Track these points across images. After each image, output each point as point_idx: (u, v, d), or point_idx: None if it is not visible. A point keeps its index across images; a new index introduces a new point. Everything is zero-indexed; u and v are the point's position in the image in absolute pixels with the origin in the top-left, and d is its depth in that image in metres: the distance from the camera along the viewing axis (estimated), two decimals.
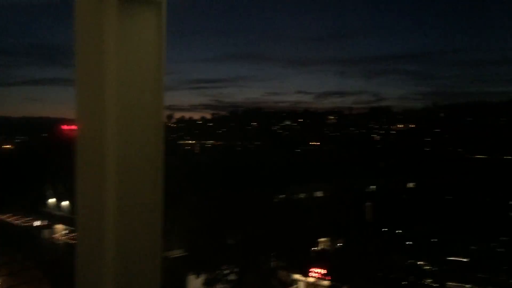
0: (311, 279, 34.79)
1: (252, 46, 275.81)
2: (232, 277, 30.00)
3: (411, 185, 57.82)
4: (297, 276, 35.35)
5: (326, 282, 33.51)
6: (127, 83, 2.22)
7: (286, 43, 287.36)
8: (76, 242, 2.34)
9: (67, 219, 53.31)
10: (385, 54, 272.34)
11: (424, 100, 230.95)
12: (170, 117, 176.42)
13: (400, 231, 44.07)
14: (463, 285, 33.47)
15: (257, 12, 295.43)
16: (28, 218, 57.81)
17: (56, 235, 53.84)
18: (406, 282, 32.03)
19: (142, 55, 2.26)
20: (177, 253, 30.22)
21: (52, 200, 63.14)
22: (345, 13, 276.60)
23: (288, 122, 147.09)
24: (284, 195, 39.92)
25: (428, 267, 35.42)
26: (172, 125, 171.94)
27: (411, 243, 40.51)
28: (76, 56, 2.25)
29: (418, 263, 35.41)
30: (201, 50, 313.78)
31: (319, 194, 44.16)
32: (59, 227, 55.94)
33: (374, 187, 50.05)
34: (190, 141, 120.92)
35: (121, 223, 2.21)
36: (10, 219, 57.22)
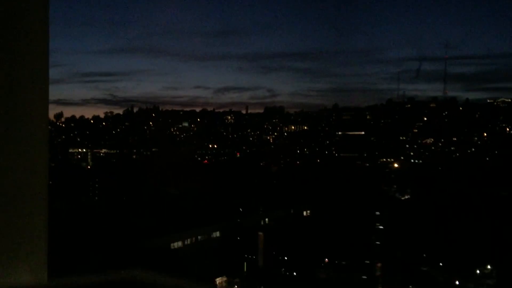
0: None
1: (147, 39, 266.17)
2: None
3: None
4: None
5: None
6: (3, 75, 1.87)
7: (183, 37, 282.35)
8: None
9: None
10: (280, 51, 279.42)
11: (319, 97, 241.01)
12: (59, 115, 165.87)
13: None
14: None
15: (152, 4, 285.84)
16: None
17: None
18: None
19: (22, 43, 1.89)
20: None
21: None
22: (239, 9, 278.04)
23: (185, 124, 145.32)
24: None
25: None
26: (61, 124, 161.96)
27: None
28: None
29: None
30: (94, 41, 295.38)
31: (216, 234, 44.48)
32: None
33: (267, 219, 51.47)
34: (81, 150, 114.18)
35: None
36: None
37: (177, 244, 40.48)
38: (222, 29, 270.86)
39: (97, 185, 67.48)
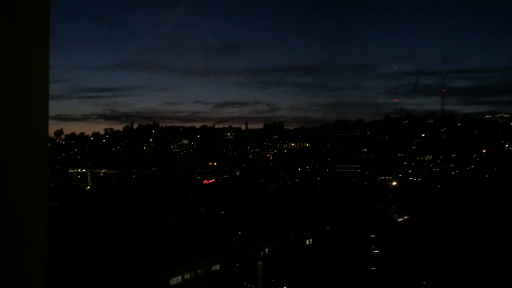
0: None
1: (148, 55, 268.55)
2: None
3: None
4: None
5: None
6: (2, 90, 1.82)
7: (183, 53, 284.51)
8: None
9: None
10: (279, 66, 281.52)
11: (318, 111, 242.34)
12: (59, 133, 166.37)
13: None
14: None
15: (152, 20, 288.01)
16: None
17: None
18: None
19: (22, 56, 1.87)
20: None
21: None
22: (239, 24, 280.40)
23: (185, 141, 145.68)
24: None
25: None
26: (61, 141, 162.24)
27: None
28: None
29: None
30: (94, 57, 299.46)
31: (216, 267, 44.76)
32: None
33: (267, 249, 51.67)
34: (81, 170, 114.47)
35: None
36: None
37: (177, 280, 40.67)
38: (222, 45, 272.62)
39: (94, 211, 67.73)
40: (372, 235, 64.24)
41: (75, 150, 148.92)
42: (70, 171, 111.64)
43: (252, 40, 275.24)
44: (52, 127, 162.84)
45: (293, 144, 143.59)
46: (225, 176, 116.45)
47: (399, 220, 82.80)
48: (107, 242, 50.03)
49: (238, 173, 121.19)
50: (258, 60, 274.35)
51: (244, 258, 47.81)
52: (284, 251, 52.27)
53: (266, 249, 50.38)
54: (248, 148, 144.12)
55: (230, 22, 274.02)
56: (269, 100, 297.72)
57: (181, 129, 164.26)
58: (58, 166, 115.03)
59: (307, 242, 57.23)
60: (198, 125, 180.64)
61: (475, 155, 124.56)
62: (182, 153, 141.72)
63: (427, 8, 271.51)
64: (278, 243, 52.48)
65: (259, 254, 49.65)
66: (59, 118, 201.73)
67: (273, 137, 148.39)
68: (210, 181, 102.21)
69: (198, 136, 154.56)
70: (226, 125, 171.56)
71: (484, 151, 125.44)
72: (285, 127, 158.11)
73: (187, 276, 41.30)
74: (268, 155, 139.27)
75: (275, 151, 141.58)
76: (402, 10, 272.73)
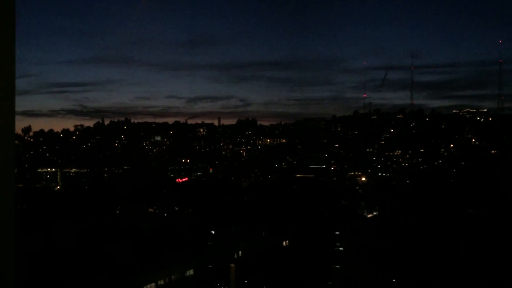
0: None
1: (118, 49, 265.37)
2: None
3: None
4: None
5: None
6: None
7: (154, 47, 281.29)
8: None
9: None
10: (251, 60, 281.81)
11: (290, 106, 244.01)
12: (27, 130, 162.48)
13: None
14: None
15: (122, 14, 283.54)
16: None
17: None
18: None
19: None
20: None
21: None
22: (210, 19, 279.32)
23: (158, 138, 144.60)
24: None
25: None
26: (29, 139, 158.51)
27: None
28: None
29: None
30: (63, 51, 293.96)
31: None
32: None
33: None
34: (50, 169, 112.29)
35: None
36: None
37: (150, 286, 40.83)
38: (193, 39, 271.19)
39: (65, 214, 66.95)
40: (337, 233, 65.12)
41: (44, 147, 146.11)
42: (39, 170, 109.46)
43: (223, 34, 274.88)
44: (20, 124, 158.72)
45: (268, 140, 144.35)
46: (198, 173, 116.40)
47: (368, 216, 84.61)
48: (79, 248, 49.64)
49: (211, 170, 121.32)
50: (230, 55, 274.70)
51: (217, 260, 48.31)
52: (257, 254, 52.97)
53: (240, 252, 50.99)
54: (221, 144, 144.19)
55: (202, 17, 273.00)
56: (242, 95, 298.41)
57: (153, 125, 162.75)
58: (26, 165, 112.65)
59: (284, 243, 58.08)
60: (170, 120, 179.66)
61: (442, 150, 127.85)
62: (155, 150, 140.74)
63: (395, 3, 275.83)
64: (251, 245, 53.12)
65: (233, 256, 50.21)
66: (27, 114, 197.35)
67: (247, 133, 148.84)
68: (184, 179, 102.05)
69: (171, 132, 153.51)
70: (199, 121, 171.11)
71: (452, 146, 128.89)
72: (258, 123, 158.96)
73: (161, 282, 41.53)
74: (241, 151, 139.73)
75: (249, 147, 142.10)
76: (370, 5, 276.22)
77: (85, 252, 48.38)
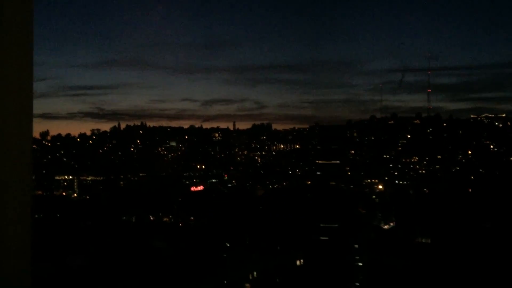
0: None
1: (135, 52, 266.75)
2: None
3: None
4: None
5: None
6: None
7: (170, 50, 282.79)
8: None
9: None
10: (266, 63, 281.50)
11: (305, 109, 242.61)
12: (45, 134, 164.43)
13: None
14: None
15: (139, 18, 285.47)
16: None
17: None
18: None
19: (5, 54, 1.83)
20: None
21: None
22: (226, 22, 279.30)
23: (173, 144, 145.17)
24: None
25: None
26: (46, 143, 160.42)
27: None
28: None
29: None
30: (81, 55, 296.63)
31: None
32: None
33: None
34: (67, 177, 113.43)
35: None
36: None
37: None
38: (209, 42, 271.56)
39: (82, 225, 67.56)
40: (356, 246, 64.37)
41: (61, 152, 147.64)
42: (56, 178, 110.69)
43: (238, 37, 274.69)
44: (38, 126, 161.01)
45: (282, 146, 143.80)
46: (213, 180, 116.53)
47: (385, 227, 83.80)
48: (96, 265, 49.93)
49: (226, 177, 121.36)
50: (245, 58, 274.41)
51: (232, 282, 48.24)
52: (272, 274, 52.71)
53: (255, 273, 50.84)
54: (236, 150, 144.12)
55: (217, 20, 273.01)
56: (257, 98, 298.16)
57: (168, 129, 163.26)
58: (44, 171, 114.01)
59: (298, 263, 57.73)
60: (185, 124, 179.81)
61: (460, 157, 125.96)
62: (170, 155, 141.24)
63: (413, 5, 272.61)
64: (267, 265, 52.90)
65: (248, 277, 50.11)
66: (45, 116, 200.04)
67: (261, 138, 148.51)
68: (199, 187, 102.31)
69: (186, 137, 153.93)
70: (214, 125, 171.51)
71: (470, 152, 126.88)
72: (273, 127, 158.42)
73: None
74: (256, 157, 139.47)
75: (263, 152, 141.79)
76: (388, 7, 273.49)
77: (103, 271, 48.65)
